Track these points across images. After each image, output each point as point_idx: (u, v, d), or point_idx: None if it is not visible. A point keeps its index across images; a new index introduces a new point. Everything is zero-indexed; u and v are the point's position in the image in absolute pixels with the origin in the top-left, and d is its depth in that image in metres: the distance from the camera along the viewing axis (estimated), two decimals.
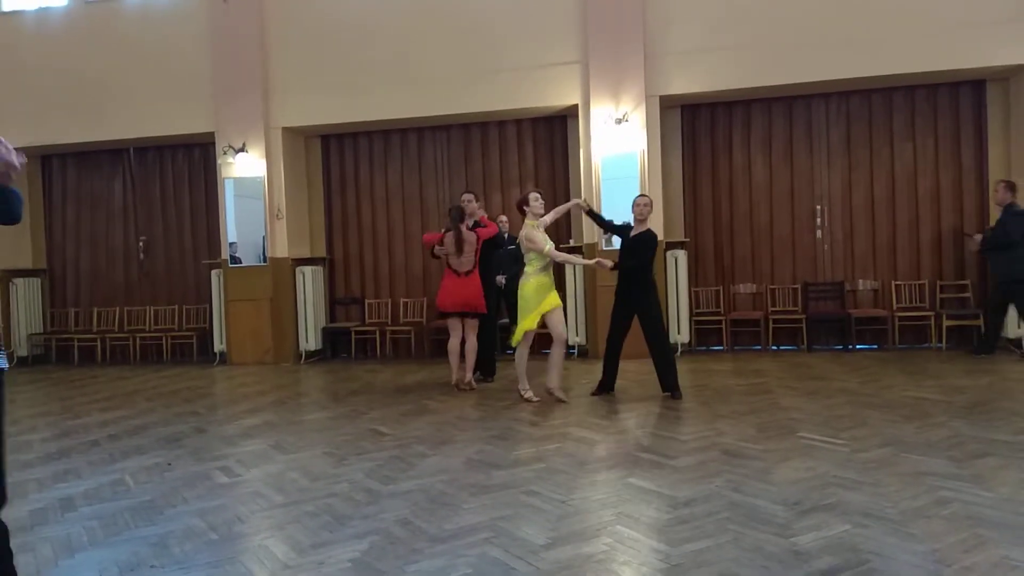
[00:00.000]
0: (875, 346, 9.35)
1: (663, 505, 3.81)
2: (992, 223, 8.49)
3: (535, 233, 6.52)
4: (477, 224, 7.56)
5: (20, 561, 3.41)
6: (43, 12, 10.95)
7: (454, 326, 7.48)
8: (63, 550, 3.56)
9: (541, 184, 10.26)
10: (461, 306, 7.36)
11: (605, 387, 6.88)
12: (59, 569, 3.34)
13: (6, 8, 11.16)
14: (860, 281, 9.51)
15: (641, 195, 6.94)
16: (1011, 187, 8.16)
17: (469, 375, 7.47)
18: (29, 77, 10.85)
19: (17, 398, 8.42)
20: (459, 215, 7.43)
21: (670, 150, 9.74)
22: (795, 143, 9.71)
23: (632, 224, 6.77)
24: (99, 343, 11.28)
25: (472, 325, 7.44)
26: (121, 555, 3.45)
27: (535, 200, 6.65)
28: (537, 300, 6.52)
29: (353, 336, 10.63)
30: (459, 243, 7.29)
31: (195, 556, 3.40)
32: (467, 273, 7.34)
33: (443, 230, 7.54)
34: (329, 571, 3.16)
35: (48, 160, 11.83)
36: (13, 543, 3.65)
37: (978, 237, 8.43)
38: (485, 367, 7.86)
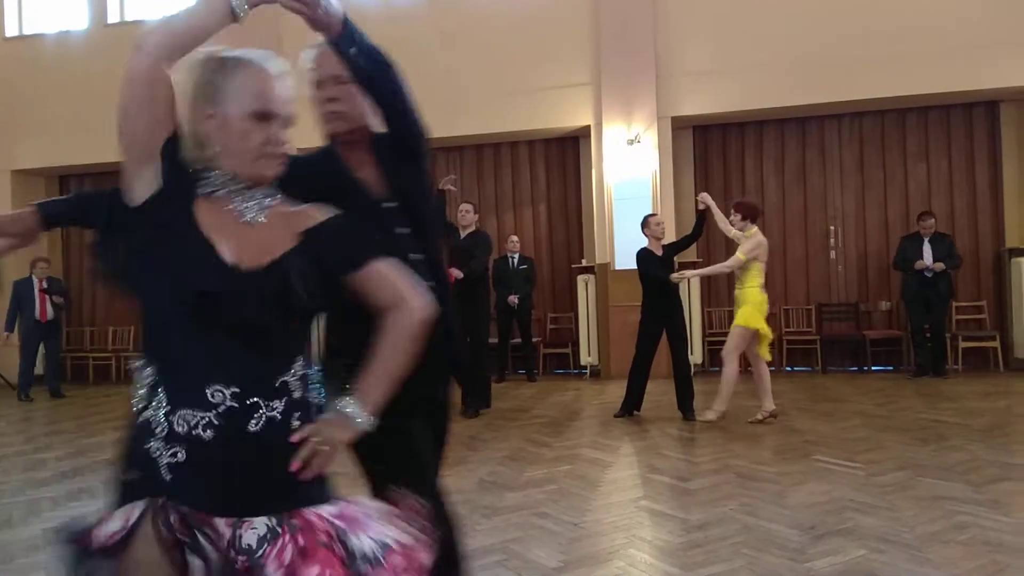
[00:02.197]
0: (890, 367, 9.28)
1: (676, 528, 3.79)
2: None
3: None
4: (478, 235, 7.28)
5: None
6: (63, 34, 11.15)
7: None
8: None
9: (553, 205, 10.30)
10: None
11: (630, 407, 6.80)
12: None
13: (27, 31, 11.38)
14: (874, 302, 9.47)
15: (653, 214, 7.02)
16: None
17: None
18: (49, 98, 11.03)
19: (33, 416, 8.49)
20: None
21: (682, 171, 9.76)
22: (808, 164, 9.71)
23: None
24: (114, 362, 11.35)
25: None
26: None
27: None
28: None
29: None
30: None
31: None
32: None
33: None
34: None
35: (66, 180, 11.99)
36: (26, 561, 3.67)
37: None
38: (481, 396, 7.22)
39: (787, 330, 9.59)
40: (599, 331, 9.45)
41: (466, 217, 7.42)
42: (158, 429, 1.40)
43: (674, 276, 6.59)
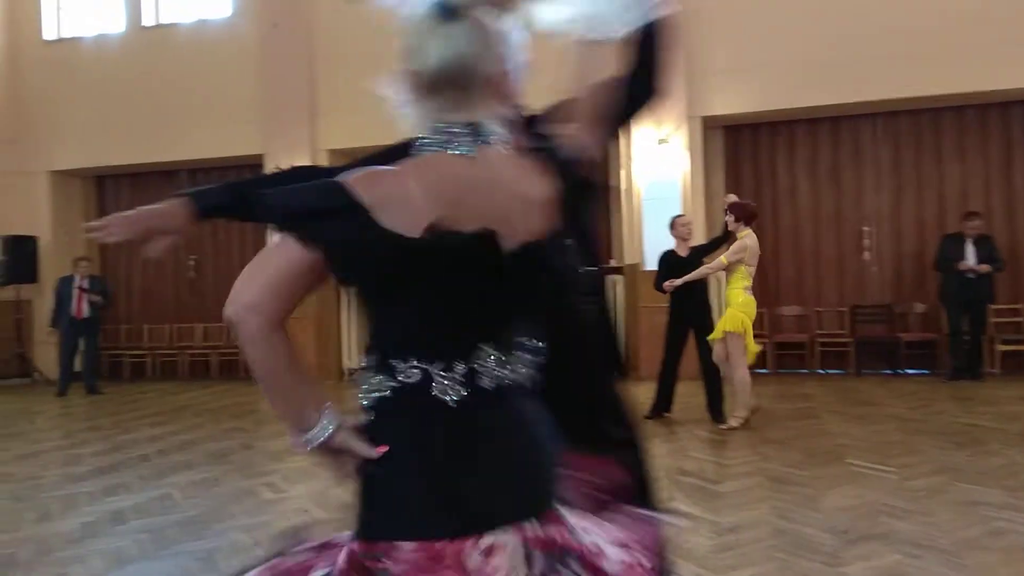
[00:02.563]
0: (925, 371, 9.13)
1: (707, 531, 3.76)
2: None
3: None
4: None
5: (71, 573, 3.51)
6: (100, 37, 11.36)
7: None
8: (114, 563, 3.64)
9: None
10: None
11: (660, 409, 6.73)
12: None
13: (65, 34, 11.61)
14: (909, 304, 9.33)
15: (680, 215, 6.99)
16: None
17: None
18: (86, 101, 11.24)
19: (70, 412, 8.67)
20: None
21: (712, 172, 9.67)
22: (841, 164, 9.58)
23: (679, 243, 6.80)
24: (149, 359, 11.54)
25: None
26: (170, 569, 3.52)
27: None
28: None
29: None
30: None
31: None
32: None
33: None
34: None
35: (103, 181, 12.21)
36: (64, 554, 3.76)
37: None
38: None
39: (819, 332, 9.47)
40: (628, 332, 9.40)
41: None
42: None
43: (666, 285, 6.55)
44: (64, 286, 9.85)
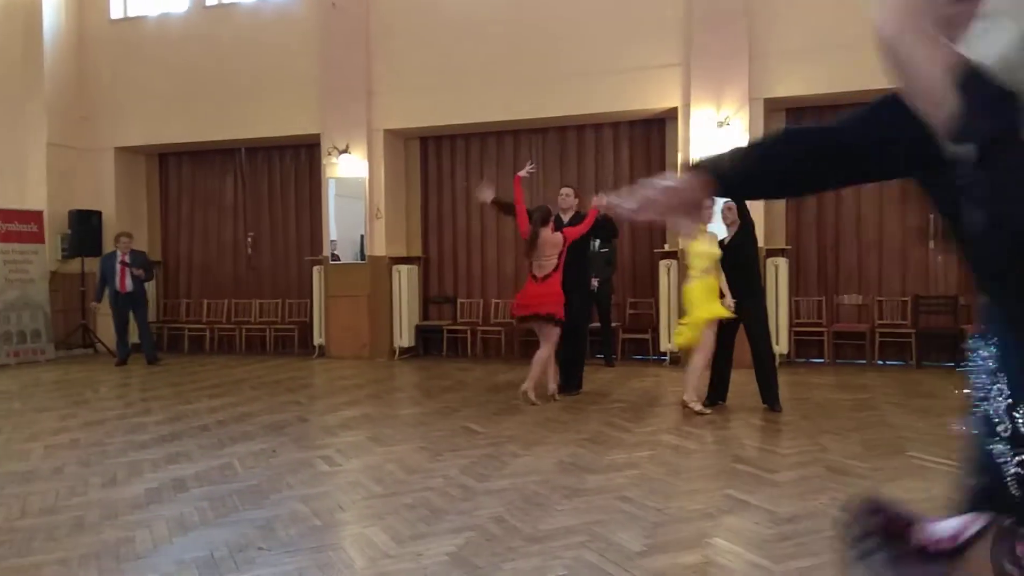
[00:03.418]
0: None
1: (764, 520, 3.70)
2: None
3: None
4: (578, 217, 7.19)
5: (137, 536, 3.61)
6: (164, 16, 11.58)
7: (540, 333, 6.95)
8: (177, 528, 3.74)
9: None
10: (530, 311, 6.82)
11: (716, 398, 6.62)
12: (173, 546, 3.51)
13: (131, 13, 11.87)
14: (975, 295, 9.00)
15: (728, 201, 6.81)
16: None
17: (552, 385, 7.00)
18: (150, 79, 11.49)
19: (131, 382, 8.93)
20: (542, 218, 6.87)
21: None
22: None
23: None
24: (208, 333, 11.83)
25: (548, 333, 6.83)
26: (231, 536, 3.59)
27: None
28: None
29: (445, 334, 10.78)
30: (532, 245, 6.83)
31: (300, 541, 3.52)
32: (545, 278, 6.78)
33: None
34: (427, 563, 3.21)
35: (165, 158, 12.49)
36: (130, 519, 3.88)
37: None
38: (570, 379, 7.31)
39: (880, 322, 9.23)
40: (680, 317, 9.27)
41: (566, 200, 7.42)
42: (1000, 427, 1.07)
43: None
44: (107, 262, 10.16)
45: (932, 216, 9.13)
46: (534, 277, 6.86)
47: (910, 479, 4.34)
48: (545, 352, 6.84)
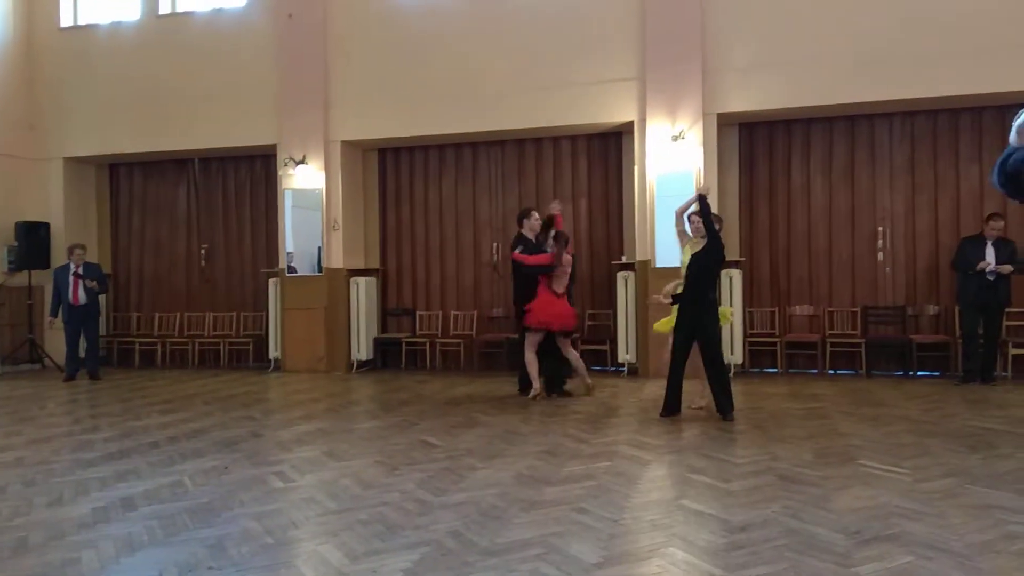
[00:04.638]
0: (937, 373, 9.07)
1: (718, 529, 3.75)
2: None
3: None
4: (558, 234, 7.84)
5: (83, 557, 3.52)
6: (116, 25, 11.38)
7: (537, 341, 7.77)
8: (125, 548, 3.65)
9: (594, 201, 10.25)
10: (559, 327, 7.71)
11: (672, 409, 6.68)
12: (121, 567, 3.42)
13: (81, 21, 11.63)
14: (922, 306, 9.26)
15: (696, 212, 6.89)
16: None
17: (589, 380, 8.05)
18: (100, 88, 11.28)
19: (79, 398, 8.70)
20: (565, 241, 7.76)
21: (727, 169, 9.63)
22: (857, 163, 9.51)
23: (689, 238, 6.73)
24: (160, 347, 11.59)
25: (564, 341, 7.84)
26: (180, 555, 3.52)
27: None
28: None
29: (404, 347, 10.72)
30: (557, 264, 7.66)
31: (252, 559, 3.46)
32: (563, 294, 7.77)
33: (549, 251, 7.70)
34: None
35: (115, 169, 12.24)
36: (76, 539, 3.77)
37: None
38: (555, 383, 7.99)
39: (831, 333, 9.43)
40: (638, 329, 9.38)
41: (536, 224, 8.09)
42: None
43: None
44: (61, 274, 9.92)
45: (881, 229, 9.39)
46: (554, 293, 7.72)
47: (860, 487, 4.43)
48: (574, 352, 7.97)
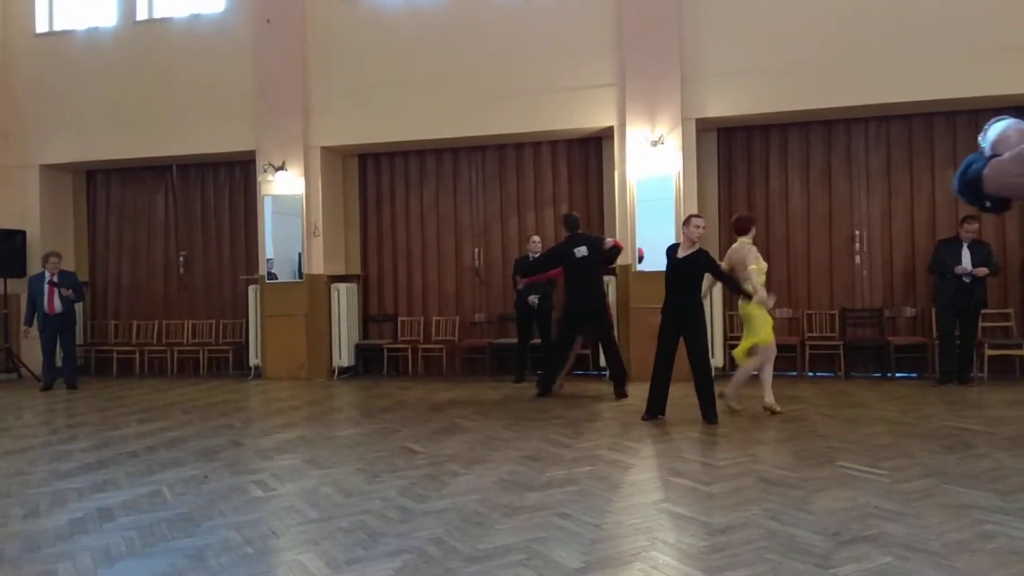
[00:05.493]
0: (914, 374, 9.17)
1: (699, 532, 3.76)
2: None
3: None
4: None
5: (60, 570, 3.47)
6: (92, 31, 11.27)
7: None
8: (102, 559, 3.61)
9: (575, 205, 10.27)
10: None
11: (655, 411, 6.75)
12: None
13: (57, 27, 11.52)
14: (900, 308, 9.36)
15: (698, 215, 6.92)
16: None
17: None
18: (77, 94, 11.17)
19: (56, 408, 8.59)
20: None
21: (706, 173, 9.69)
22: (833, 168, 9.62)
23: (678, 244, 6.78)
24: (138, 355, 11.46)
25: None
26: (159, 566, 3.48)
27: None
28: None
29: (386, 353, 10.69)
30: None
31: (231, 570, 3.43)
32: None
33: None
34: None
35: (92, 175, 12.12)
36: (52, 551, 3.72)
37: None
38: (546, 384, 8.40)
39: (810, 335, 9.50)
40: (620, 332, 9.40)
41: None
42: None
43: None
44: (36, 283, 9.80)
45: (858, 232, 9.48)
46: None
47: (838, 488, 4.47)
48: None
